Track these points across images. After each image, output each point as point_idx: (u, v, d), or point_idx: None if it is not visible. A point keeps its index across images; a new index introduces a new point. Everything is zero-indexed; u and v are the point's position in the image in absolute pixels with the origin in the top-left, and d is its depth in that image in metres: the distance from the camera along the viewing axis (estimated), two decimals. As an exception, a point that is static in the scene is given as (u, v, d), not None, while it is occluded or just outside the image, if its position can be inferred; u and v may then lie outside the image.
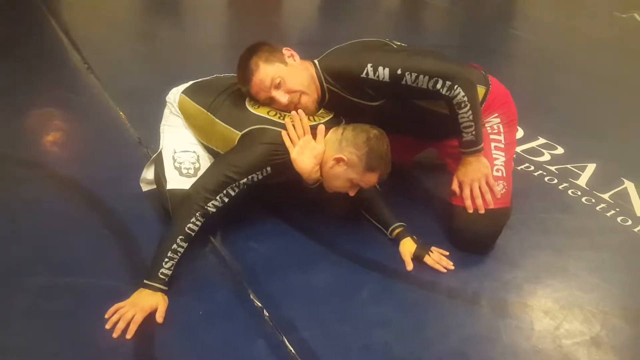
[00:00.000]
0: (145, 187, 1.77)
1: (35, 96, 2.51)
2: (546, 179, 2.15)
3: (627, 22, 4.51)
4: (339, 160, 1.52)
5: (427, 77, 1.50)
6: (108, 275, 1.50)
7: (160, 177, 1.66)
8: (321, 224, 1.77)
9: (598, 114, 2.82)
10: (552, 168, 2.22)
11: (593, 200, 2.01)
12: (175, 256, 1.41)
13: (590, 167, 2.23)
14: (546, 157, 2.31)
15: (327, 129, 1.57)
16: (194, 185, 1.51)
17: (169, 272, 1.41)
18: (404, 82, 1.52)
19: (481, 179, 1.62)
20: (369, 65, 1.52)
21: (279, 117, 1.59)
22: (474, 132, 1.57)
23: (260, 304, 1.44)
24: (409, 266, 1.60)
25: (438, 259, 1.61)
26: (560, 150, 2.37)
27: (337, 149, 1.52)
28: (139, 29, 3.99)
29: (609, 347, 1.38)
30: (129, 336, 1.30)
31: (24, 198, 1.79)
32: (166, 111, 1.80)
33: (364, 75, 1.53)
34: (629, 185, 2.10)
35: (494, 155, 1.68)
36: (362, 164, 1.51)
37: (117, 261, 1.56)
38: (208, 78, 1.84)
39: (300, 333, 1.37)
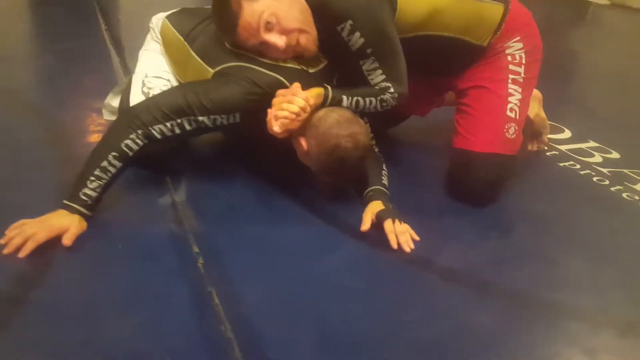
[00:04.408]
0: (107, 115, 1.52)
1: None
2: (595, 179, 1.75)
3: None
4: (300, 142, 1.27)
5: (382, 76, 1.32)
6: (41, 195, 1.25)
7: (125, 105, 1.42)
8: (300, 179, 1.44)
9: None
10: (604, 170, 1.82)
11: (654, 207, 1.60)
12: (103, 176, 1.14)
13: (653, 175, 1.82)
14: (597, 158, 1.91)
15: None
16: (146, 100, 1.26)
17: (94, 194, 1.13)
18: (362, 62, 1.30)
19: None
20: (349, 22, 1.24)
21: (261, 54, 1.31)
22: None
23: (197, 250, 1.14)
24: (365, 225, 1.26)
25: (400, 230, 1.24)
26: (615, 155, 1.96)
27: (309, 129, 1.25)
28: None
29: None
30: (21, 254, 1.04)
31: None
32: (148, 37, 1.57)
33: (338, 27, 1.25)
34: (703, 198, 1.67)
35: (509, 90, 1.43)
36: (317, 164, 1.27)
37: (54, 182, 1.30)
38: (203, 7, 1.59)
39: (236, 288, 1.05)
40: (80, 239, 1.10)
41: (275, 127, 1.21)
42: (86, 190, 1.13)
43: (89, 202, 1.13)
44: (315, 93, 1.25)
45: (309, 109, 1.23)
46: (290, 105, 1.20)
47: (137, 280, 1.04)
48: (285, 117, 1.20)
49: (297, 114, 1.21)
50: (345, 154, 1.22)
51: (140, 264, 1.09)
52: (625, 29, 5.38)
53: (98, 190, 1.14)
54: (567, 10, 5.81)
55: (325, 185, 1.40)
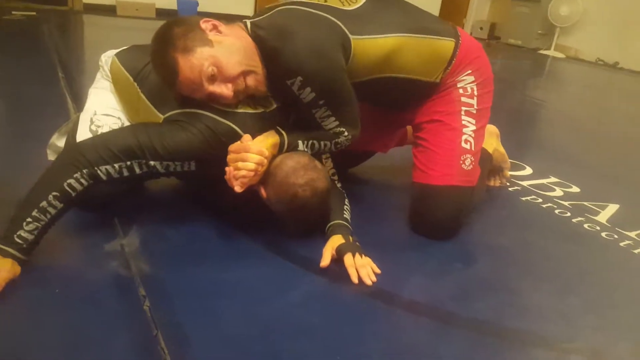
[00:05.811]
0: (51, 156, 1.45)
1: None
2: (557, 211, 1.76)
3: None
4: (260, 190, 1.24)
5: (336, 122, 1.30)
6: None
7: (70, 143, 1.36)
8: (259, 216, 1.36)
9: (618, 160, 2.51)
10: (565, 203, 1.83)
11: (615, 236, 1.60)
12: (42, 217, 1.06)
13: (613, 207, 1.83)
14: (558, 192, 1.93)
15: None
16: (94, 137, 1.20)
17: (30, 237, 1.05)
18: (314, 111, 1.26)
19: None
20: (299, 78, 1.20)
21: None
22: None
23: (143, 293, 1.06)
24: (324, 261, 1.22)
25: (361, 263, 1.20)
26: (575, 189, 1.98)
27: (267, 177, 1.22)
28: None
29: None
30: (-59, 303, 0.94)
31: None
32: (98, 74, 1.51)
33: (288, 82, 1.21)
34: (662, 230, 1.69)
35: (463, 122, 1.43)
36: (279, 210, 1.25)
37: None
38: None
39: (184, 330, 0.97)
40: (12, 285, 1.01)
41: (237, 188, 1.17)
42: (21, 233, 1.04)
43: (24, 245, 1.04)
44: (270, 143, 1.21)
45: (265, 162, 1.19)
46: (245, 163, 1.16)
47: (75, 327, 0.95)
48: (244, 176, 1.16)
49: (255, 170, 1.17)
50: (303, 202, 1.19)
51: (79, 310, 0.99)
52: (579, 79, 5.68)
53: (35, 232, 1.05)
54: (528, 63, 6.13)
55: (290, 226, 1.35)
